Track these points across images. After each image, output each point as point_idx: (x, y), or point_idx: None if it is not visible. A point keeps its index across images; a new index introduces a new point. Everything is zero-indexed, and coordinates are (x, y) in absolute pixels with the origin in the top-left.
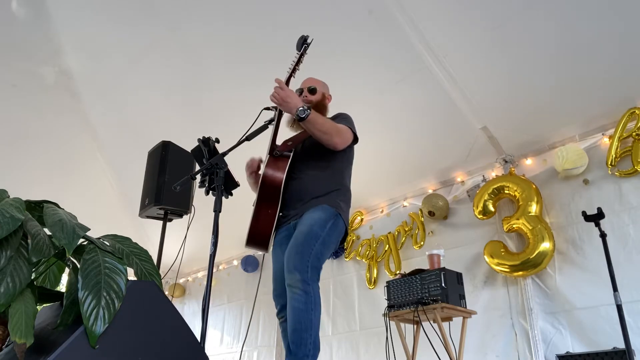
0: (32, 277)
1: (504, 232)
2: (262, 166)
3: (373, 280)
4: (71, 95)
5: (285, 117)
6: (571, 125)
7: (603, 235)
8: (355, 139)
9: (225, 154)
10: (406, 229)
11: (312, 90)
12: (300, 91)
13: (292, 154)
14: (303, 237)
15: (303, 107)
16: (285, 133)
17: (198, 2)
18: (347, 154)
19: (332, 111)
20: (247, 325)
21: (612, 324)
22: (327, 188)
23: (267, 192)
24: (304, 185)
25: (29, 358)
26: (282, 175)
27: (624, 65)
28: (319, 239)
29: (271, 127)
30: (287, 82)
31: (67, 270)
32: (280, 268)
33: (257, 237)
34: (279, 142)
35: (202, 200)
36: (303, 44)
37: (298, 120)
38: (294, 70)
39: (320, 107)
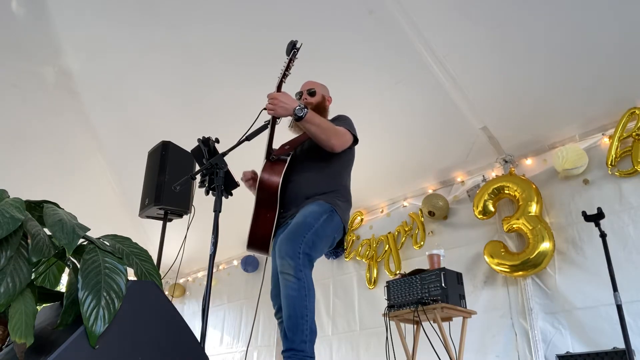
0: (32, 277)
1: (504, 232)
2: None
3: (373, 280)
4: (71, 95)
5: (285, 119)
6: (571, 125)
7: (603, 235)
8: (355, 141)
9: (225, 154)
10: (406, 229)
11: (312, 93)
12: (300, 94)
13: (289, 158)
14: (296, 227)
15: (300, 106)
16: (281, 138)
17: (198, 2)
18: (346, 155)
19: (332, 112)
20: (251, 325)
21: (612, 324)
22: (325, 189)
23: (264, 196)
24: (302, 187)
25: (29, 358)
26: (279, 179)
27: (624, 65)
28: (311, 228)
29: (267, 131)
30: (279, 88)
31: (67, 270)
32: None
33: (257, 240)
34: (275, 146)
35: (202, 200)
36: (292, 49)
37: (296, 120)
38: (284, 76)
39: (321, 109)
